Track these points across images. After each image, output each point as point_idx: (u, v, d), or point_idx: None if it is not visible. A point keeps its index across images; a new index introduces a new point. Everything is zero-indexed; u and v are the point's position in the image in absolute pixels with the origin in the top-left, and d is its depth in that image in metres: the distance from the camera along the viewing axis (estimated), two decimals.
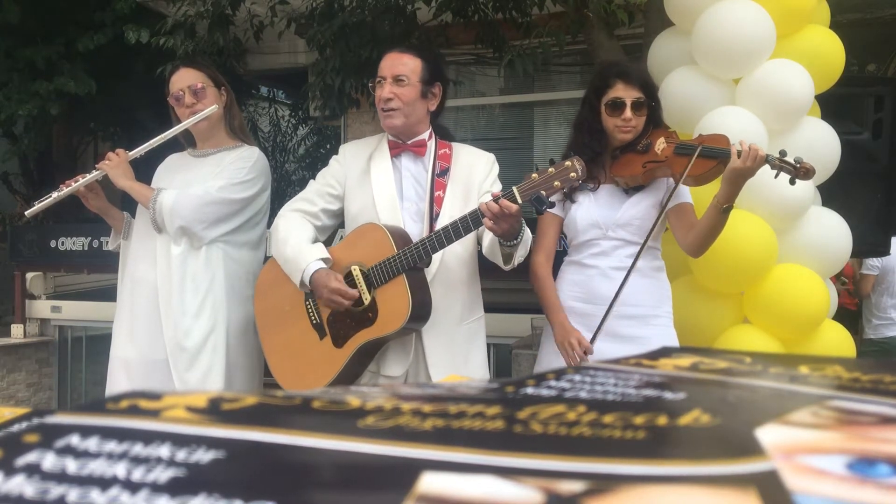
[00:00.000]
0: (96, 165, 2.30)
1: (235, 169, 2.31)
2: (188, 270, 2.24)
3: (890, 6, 5.03)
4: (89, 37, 6.05)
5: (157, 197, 2.25)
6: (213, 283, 2.26)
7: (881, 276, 4.54)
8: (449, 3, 4.21)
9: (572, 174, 1.74)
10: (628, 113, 2.08)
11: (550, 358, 2.15)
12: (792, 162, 1.89)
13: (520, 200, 1.75)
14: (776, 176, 1.92)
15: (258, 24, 4.67)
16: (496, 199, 1.77)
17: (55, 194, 2.26)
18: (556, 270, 2.29)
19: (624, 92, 2.08)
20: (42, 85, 6.07)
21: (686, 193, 2.14)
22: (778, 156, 1.90)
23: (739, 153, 1.88)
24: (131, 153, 2.31)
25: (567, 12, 3.65)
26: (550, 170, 1.75)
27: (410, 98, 2.03)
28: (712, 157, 1.99)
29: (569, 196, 2.16)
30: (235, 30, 4.70)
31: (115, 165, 2.27)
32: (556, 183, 1.74)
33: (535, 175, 1.76)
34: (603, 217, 2.12)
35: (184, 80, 2.33)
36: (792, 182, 1.93)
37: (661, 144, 2.05)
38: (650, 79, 2.19)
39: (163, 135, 2.33)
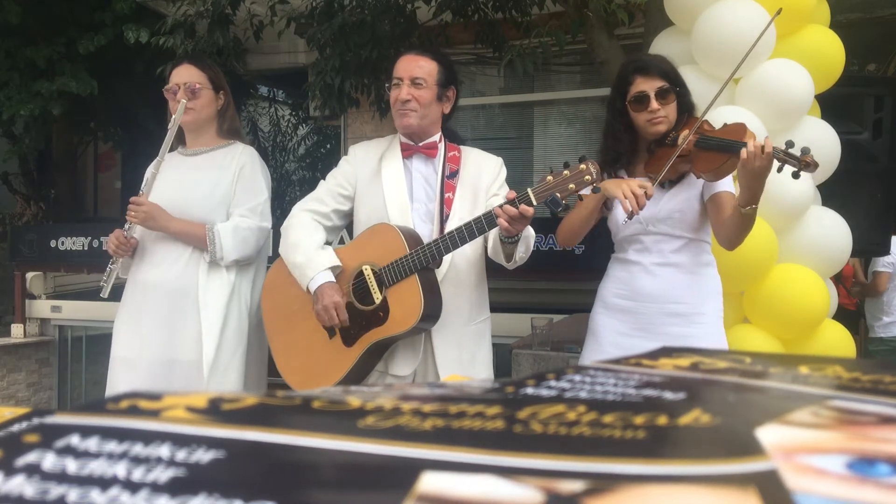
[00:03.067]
0: (128, 217, 2.26)
1: (255, 192, 2.34)
2: (222, 282, 2.28)
3: (890, 6, 5.03)
4: (90, 37, 6.05)
5: (215, 240, 2.24)
6: (240, 291, 2.30)
7: (894, 274, 4.50)
8: (449, 2, 4.21)
9: (587, 177, 1.75)
10: (654, 104, 2.03)
11: (592, 356, 2.11)
12: (797, 154, 1.83)
13: (535, 202, 1.77)
14: (780, 169, 1.86)
15: (258, 24, 4.67)
16: (512, 201, 1.78)
17: (111, 266, 2.33)
18: (600, 263, 2.26)
19: (645, 84, 2.05)
20: (44, 85, 6.07)
21: (723, 182, 2.05)
22: (784, 147, 1.84)
23: (752, 149, 1.81)
24: (147, 195, 2.27)
25: (567, 12, 3.64)
26: (565, 172, 1.77)
27: (427, 100, 2.06)
28: (725, 150, 1.94)
29: (605, 204, 2.12)
30: (235, 29, 4.70)
31: (149, 213, 2.23)
32: (571, 185, 1.75)
33: (550, 178, 1.78)
34: (643, 212, 2.06)
35: (182, 76, 2.33)
36: (796, 175, 1.86)
37: (686, 137, 2.01)
38: (670, 66, 2.11)
39: (156, 160, 2.30)
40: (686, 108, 2.10)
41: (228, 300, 2.26)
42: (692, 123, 2.07)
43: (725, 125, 2.07)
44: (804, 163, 1.83)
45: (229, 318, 2.26)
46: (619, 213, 2.08)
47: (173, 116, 2.28)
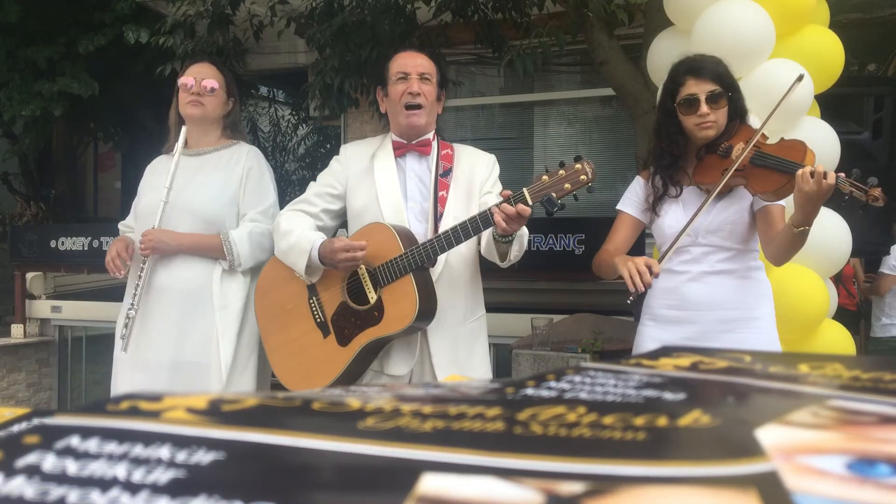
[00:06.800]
0: (141, 251, 2.23)
1: (264, 196, 2.34)
2: (239, 285, 2.28)
3: (890, 6, 5.03)
4: (90, 37, 6.05)
5: (232, 249, 2.24)
6: (250, 295, 2.30)
7: None
8: (449, 2, 4.22)
9: (582, 177, 1.75)
10: (704, 108, 1.95)
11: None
12: (864, 186, 1.72)
13: (530, 202, 1.77)
14: (845, 200, 1.75)
15: (258, 24, 4.67)
16: (508, 200, 1.78)
17: (130, 313, 2.28)
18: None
19: (696, 87, 1.97)
20: (45, 86, 6.07)
21: None
22: (850, 178, 1.74)
23: (809, 174, 1.73)
24: (159, 223, 2.24)
25: (567, 12, 3.65)
26: (561, 172, 1.77)
27: (433, 97, 2.08)
28: (783, 171, 1.84)
29: (653, 209, 2.07)
30: (235, 29, 4.71)
31: (152, 245, 2.21)
32: (566, 185, 1.75)
33: (545, 177, 1.77)
34: (693, 223, 1.99)
35: (202, 72, 2.32)
36: (862, 209, 1.76)
37: (739, 150, 1.93)
38: (725, 69, 2.02)
39: (169, 177, 2.25)
40: (738, 115, 2.02)
41: (245, 303, 2.27)
42: (744, 132, 1.99)
43: (783, 140, 1.98)
44: (872, 196, 1.73)
45: (246, 321, 2.26)
46: (665, 221, 2.05)
47: (176, 144, 2.23)
